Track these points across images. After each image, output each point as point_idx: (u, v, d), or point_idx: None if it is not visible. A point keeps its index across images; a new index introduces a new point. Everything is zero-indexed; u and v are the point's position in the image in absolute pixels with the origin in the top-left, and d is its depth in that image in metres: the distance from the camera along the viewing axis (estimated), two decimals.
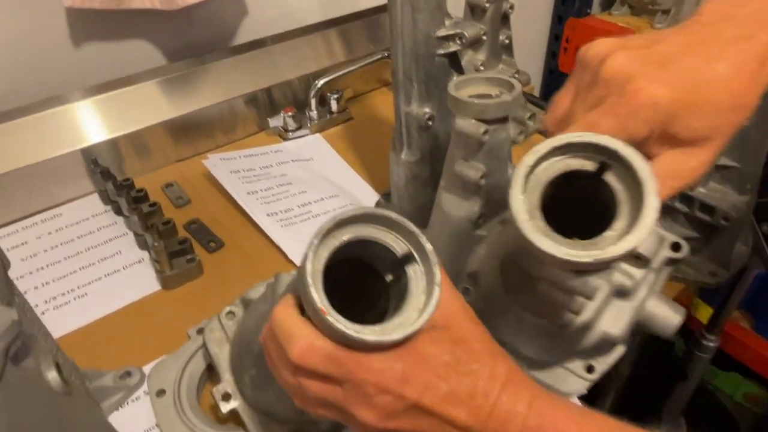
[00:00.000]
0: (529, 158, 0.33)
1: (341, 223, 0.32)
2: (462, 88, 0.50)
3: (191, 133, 0.87)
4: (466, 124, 0.48)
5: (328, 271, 0.32)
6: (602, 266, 0.31)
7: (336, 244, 0.32)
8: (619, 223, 0.31)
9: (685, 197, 0.60)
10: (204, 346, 0.52)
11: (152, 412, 0.51)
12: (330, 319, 0.30)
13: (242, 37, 0.94)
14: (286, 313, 0.33)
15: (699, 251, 0.63)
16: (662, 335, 0.43)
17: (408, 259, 0.33)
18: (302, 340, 0.31)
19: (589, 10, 1.37)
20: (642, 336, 0.97)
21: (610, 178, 0.32)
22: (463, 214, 0.53)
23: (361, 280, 0.37)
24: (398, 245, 0.33)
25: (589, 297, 0.33)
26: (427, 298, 0.32)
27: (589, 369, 0.45)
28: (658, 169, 0.34)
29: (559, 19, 1.38)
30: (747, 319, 1.33)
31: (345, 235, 0.32)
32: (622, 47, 0.35)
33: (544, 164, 0.33)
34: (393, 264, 0.34)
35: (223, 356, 0.50)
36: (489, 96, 0.49)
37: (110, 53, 0.82)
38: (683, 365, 1.15)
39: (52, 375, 0.37)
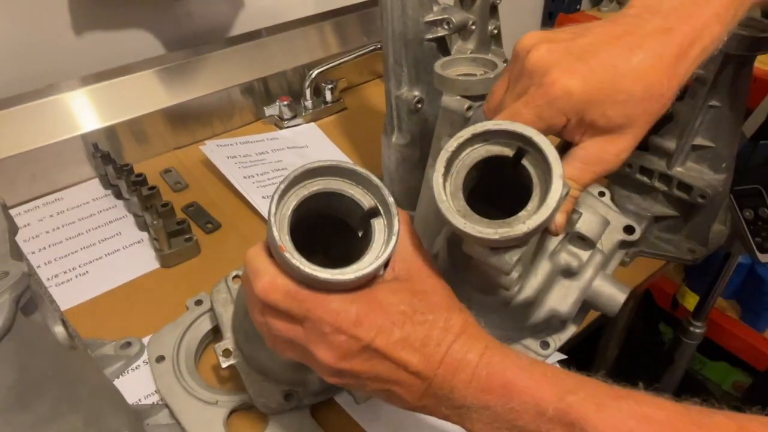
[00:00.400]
0: (452, 144, 0.35)
1: (310, 173, 0.34)
2: (448, 68, 0.52)
3: (189, 121, 0.89)
4: (451, 101, 0.51)
5: (311, 231, 0.34)
6: (513, 243, 0.34)
7: (305, 194, 0.34)
8: (532, 204, 0.34)
9: (663, 176, 0.63)
10: (211, 306, 0.54)
11: (152, 380, 0.54)
12: (287, 255, 0.32)
13: (239, 28, 0.97)
14: (255, 253, 0.35)
15: (678, 229, 0.66)
16: (608, 313, 0.46)
17: (374, 212, 0.35)
18: (266, 276, 0.34)
19: (578, 6, 1.40)
20: (629, 323, 1.00)
21: (527, 163, 0.35)
22: None
23: (344, 242, 0.39)
24: (365, 199, 0.36)
25: (506, 273, 0.35)
26: (385, 246, 0.34)
27: (544, 345, 0.48)
28: (582, 155, 0.37)
29: (549, 15, 1.41)
30: (734, 309, 1.35)
31: (315, 187, 0.35)
32: (546, 40, 0.37)
33: (468, 150, 0.36)
34: (362, 219, 0.36)
35: (227, 316, 0.52)
36: (473, 75, 0.51)
37: (110, 42, 0.85)
38: (671, 352, 1.18)
39: (58, 329, 0.39)
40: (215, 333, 0.57)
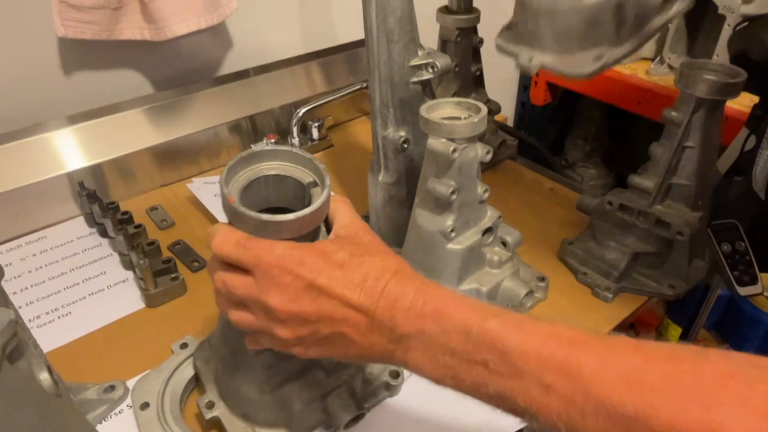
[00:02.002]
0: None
1: (257, 156, 0.42)
2: (433, 111, 0.54)
3: (176, 158, 0.90)
4: (437, 144, 0.52)
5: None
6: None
7: (258, 172, 0.41)
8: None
9: (643, 214, 0.65)
10: (193, 362, 0.54)
11: (136, 425, 0.53)
12: (234, 204, 0.37)
13: (227, 68, 0.98)
14: (215, 224, 0.41)
15: (658, 265, 0.67)
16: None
17: (313, 184, 0.42)
18: (220, 233, 0.39)
19: None
20: None
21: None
22: (436, 228, 0.56)
23: None
24: (305, 176, 0.42)
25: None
26: (320, 199, 0.39)
27: None
28: None
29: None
30: (715, 341, 1.37)
31: (270, 171, 0.42)
32: None
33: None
34: (304, 192, 0.42)
35: (209, 371, 0.52)
36: (458, 118, 0.53)
37: (99, 81, 0.85)
38: None
39: (44, 376, 0.39)
40: (198, 379, 0.56)
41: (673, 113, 0.60)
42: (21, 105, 0.80)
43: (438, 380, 0.36)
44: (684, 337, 1.09)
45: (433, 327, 0.35)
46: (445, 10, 0.82)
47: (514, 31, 0.60)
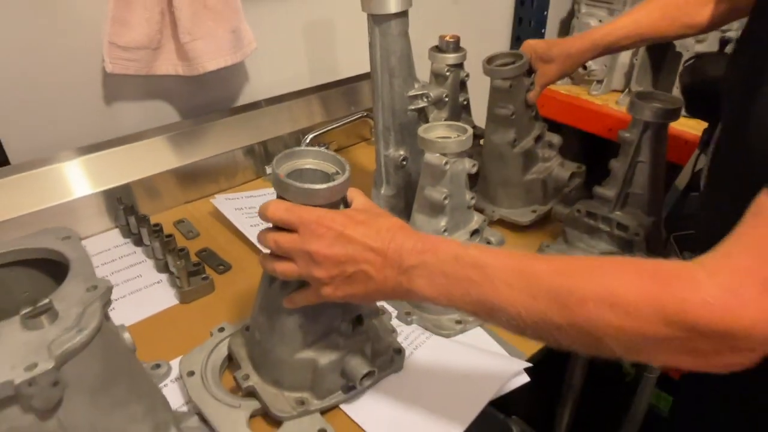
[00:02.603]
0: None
1: (297, 153, 0.54)
2: (429, 132, 0.66)
3: (198, 178, 1.01)
4: (432, 158, 0.64)
5: None
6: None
7: (295, 165, 0.54)
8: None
9: (605, 219, 0.77)
10: (228, 344, 0.64)
11: (179, 396, 0.62)
12: (283, 179, 0.49)
13: (243, 99, 1.10)
14: (268, 200, 0.52)
15: None
16: None
17: (336, 174, 0.53)
18: (273, 204, 0.51)
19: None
20: (589, 363, 1.10)
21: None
22: (431, 228, 0.68)
23: None
24: (330, 168, 0.54)
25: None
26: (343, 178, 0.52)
27: None
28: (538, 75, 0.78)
29: None
30: None
31: (302, 165, 0.54)
32: None
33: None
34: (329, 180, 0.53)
35: (243, 352, 0.62)
36: (449, 137, 0.65)
37: (133, 111, 0.97)
38: (634, 385, 1.28)
39: (126, 335, 0.49)
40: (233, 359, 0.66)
41: (627, 134, 0.73)
42: (67, 130, 0.91)
43: (435, 299, 0.47)
44: None
45: (431, 258, 0.47)
46: (437, 49, 0.94)
47: (482, 193, 0.92)
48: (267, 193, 1.00)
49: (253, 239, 0.86)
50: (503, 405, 1.22)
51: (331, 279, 0.50)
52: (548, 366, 1.10)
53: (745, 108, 0.49)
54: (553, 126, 1.49)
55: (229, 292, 0.79)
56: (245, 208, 0.94)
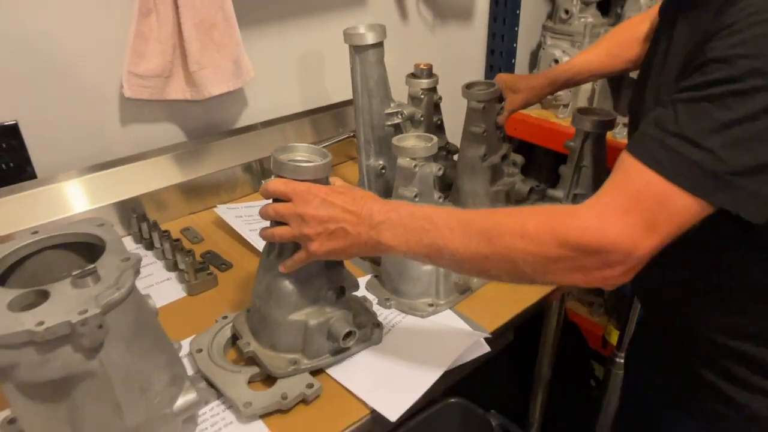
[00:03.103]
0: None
1: (290, 148, 0.68)
2: (401, 141, 0.78)
3: (201, 192, 1.12)
4: (404, 162, 0.76)
5: None
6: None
7: (289, 157, 0.67)
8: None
9: None
10: (232, 324, 0.75)
11: (190, 369, 0.72)
12: (279, 156, 0.61)
13: (241, 122, 1.23)
14: (268, 180, 0.66)
15: None
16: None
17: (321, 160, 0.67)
18: (272, 181, 0.65)
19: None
20: (557, 354, 1.20)
21: None
22: None
23: None
24: (317, 160, 0.67)
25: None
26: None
27: None
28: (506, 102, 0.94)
29: None
30: None
31: (293, 156, 0.68)
32: None
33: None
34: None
35: (245, 326, 0.73)
36: (418, 145, 0.77)
37: (148, 131, 1.09)
38: (605, 383, 1.38)
39: (150, 301, 0.59)
40: (234, 339, 0.76)
41: (571, 143, 0.86)
42: (87, 148, 1.03)
43: (397, 246, 0.60)
44: (621, 336, 1.30)
45: (394, 215, 0.61)
46: (412, 75, 1.08)
47: (454, 201, 1.04)
48: (264, 204, 1.12)
49: (252, 242, 0.97)
50: (482, 401, 1.32)
51: (317, 235, 0.62)
52: (519, 360, 1.20)
53: (630, 133, 0.63)
54: (526, 146, 1.63)
55: (231, 287, 0.90)
56: (244, 216, 1.05)
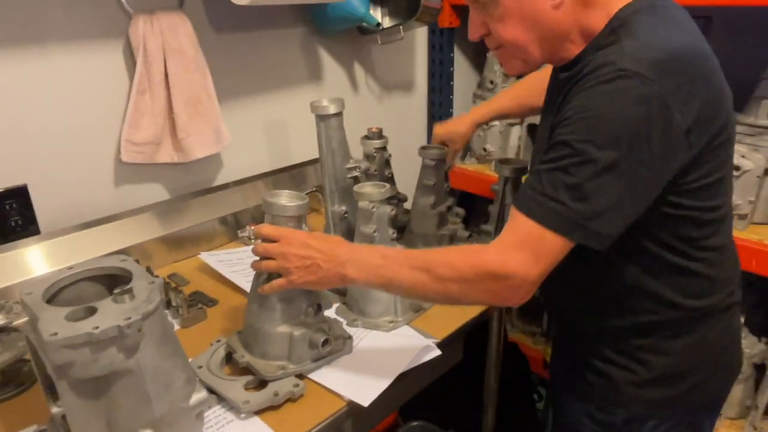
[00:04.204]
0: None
1: (277, 193, 0.83)
2: (360, 188, 0.98)
3: (183, 242, 1.27)
4: (363, 204, 0.95)
5: None
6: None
7: (276, 199, 0.82)
8: None
9: None
10: (226, 343, 0.89)
11: None
12: (269, 199, 0.80)
13: (217, 181, 1.40)
14: (260, 224, 0.84)
15: None
16: None
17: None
18: (265, 226, 0.83)
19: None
20: (502, 370, 1.38)
21: None
22: None
23: None
24: (295, 201, 0.84)
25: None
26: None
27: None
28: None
29: None
30: None
31: (281, 200, 0.83)
32: None
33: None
34: None
35: (238, 346, 0.88)
36: (373, 191, 0.97)
37: (137, 190, 1.24)
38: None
39: (169, 318, 0.74)
40: (229, 357, 0.91)
41: (495, 186, 1.08)
42: (84, 205, 1.17)
43: (357, 279, 0.78)
44: None
45: (356, 254, 0.79)
46: (366, 138, 1.29)
47: (407, 243, 1.20)
48: (240, 251, 1.28)
49: (234, 281, 1.13)
50: (441, 422, 1.47)
51: (296, 269, 0.79)
52: (470, 382, 1.36)
53: None
54: (467, 196, 1.86)
55: (219, 319, 1.05)
56: (225, 260, 1.21)
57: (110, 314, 0.64)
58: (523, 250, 0.70)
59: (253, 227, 1.33)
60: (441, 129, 1.24)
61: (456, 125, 1.22)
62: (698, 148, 0.71)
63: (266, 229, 0.82)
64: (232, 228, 1.36)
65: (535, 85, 1.11)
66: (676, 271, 0.78)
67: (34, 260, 1.08)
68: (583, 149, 0.68)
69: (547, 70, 1.10)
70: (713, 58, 0.74)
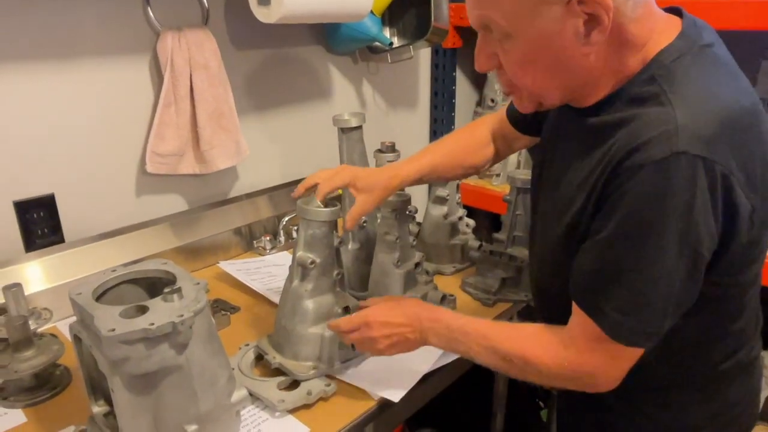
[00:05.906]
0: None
1: (310, 199, 0.88)
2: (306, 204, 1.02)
3: (201, 252, 1.30)
4: (386, 213, 1.00)
5: None
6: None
7: (310, 204, 0.86)
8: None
9: (503, 254, 1.13)
10: (256, 346, 0.92)
11: None
12: (303, 205, 0.87)
13: (233, 193, 1.43)
14: (337, 320, 0.86)
15: (517, 284, 1.15)
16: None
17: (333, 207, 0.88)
18: (342, 322, 0.85)
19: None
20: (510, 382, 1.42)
21: None
22: (390, 261, 1.02)
23: None
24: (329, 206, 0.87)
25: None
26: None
27: None
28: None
29: None
30: None
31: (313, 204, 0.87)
32: None
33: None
34: None
35: (269, 348, 0.91)
36: (396, 200, 1.01)
37: (158, 201, 1.27)
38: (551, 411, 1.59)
39: (210, 320, 0.77)
40: (258, 360, 0.93)
41: (508, 197, 1.13)
42: (107, 215, 1.20)
43: (439, 346, 0.82)
44: None
45: (437, 325, 0.81)
46: (379, 151, 1.34)
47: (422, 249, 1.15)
48: (257, 260, 1.31)
49: (254, 288, 1.15)
50: (451, 430, 1.49)
51: (387, 348, 0.82)
52: (479, 391, 1.39)
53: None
54: (471, 210, 1.91)
55: (242, 324, 1.07)
56: (243, 269, 1.24)
57: (161, 312, 0.67)
58: (597, 351, 0.68)
59: (267, 238, 1.37)
60: (352, 176, 0.90)
61: (377, 177, 0.92)
62: (761, 220, 0.65)
63: (344, 325, 0.84)
64: (247, 239, 1.39)
65: (470, 140, 0.99)
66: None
67: (59, 268, 1.10)
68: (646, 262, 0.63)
69: (489, 126, 0.99)
70: (762, 111, 0.66)
